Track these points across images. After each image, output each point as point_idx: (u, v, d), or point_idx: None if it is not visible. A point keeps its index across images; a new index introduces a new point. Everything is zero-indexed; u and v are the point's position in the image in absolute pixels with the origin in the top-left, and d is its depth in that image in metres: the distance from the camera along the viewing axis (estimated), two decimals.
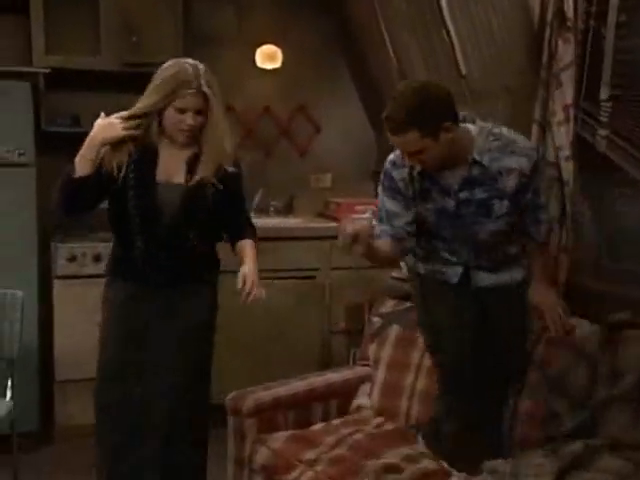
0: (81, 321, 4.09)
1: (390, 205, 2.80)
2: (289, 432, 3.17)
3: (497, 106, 3.75)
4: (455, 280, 2.87)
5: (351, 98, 5.18)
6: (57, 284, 4.24)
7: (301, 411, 3.33)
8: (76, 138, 4.35)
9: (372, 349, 3.54)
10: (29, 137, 4.17)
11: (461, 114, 2.66)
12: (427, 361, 3.22)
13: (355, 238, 2.50)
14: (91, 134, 2.74)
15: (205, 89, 2.69)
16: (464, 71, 3.86)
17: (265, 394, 3.27)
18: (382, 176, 2.83)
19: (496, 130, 2.70)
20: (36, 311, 4.18)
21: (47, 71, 4.31)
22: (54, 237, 4.36)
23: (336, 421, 3.31)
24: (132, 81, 4.66)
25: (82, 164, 2.71)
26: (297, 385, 3.38)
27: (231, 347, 4.14)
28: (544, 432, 2.91)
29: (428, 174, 2.71)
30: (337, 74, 5.10)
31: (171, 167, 2.79)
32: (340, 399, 3.46)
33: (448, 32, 3.83)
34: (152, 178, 2.77)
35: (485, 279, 2.87)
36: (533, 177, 2.72)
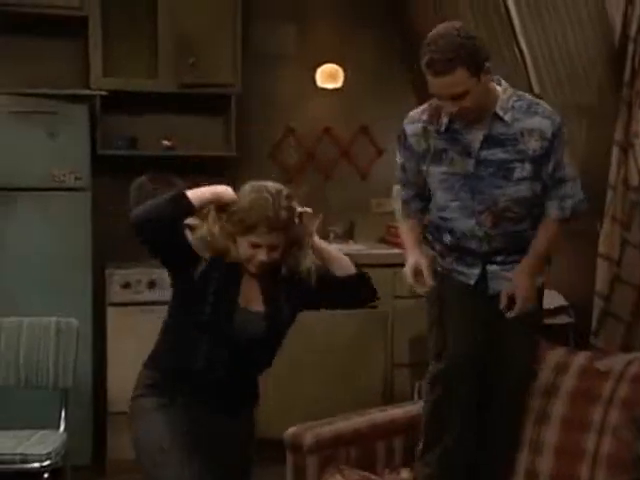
0: (135, 350, 3.99)
1: (404, 161, 2.82)
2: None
3: (572, 126, 3.59)
4: (472, 282, 2.81)
5: None
6: (111, 311, 4.20)
7: (364, 448, 3.18)
8: (132, 161, 4.28)
9: None
10: (85, 161, 4.18)
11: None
12: None
13: (416, 273, 2.54)
14: (224, 188, 2.52)
15: (282, 226, 2.47)
16: (536, 89, 3.74)
17: (326, 429, 3.14)
18: (398, 135, 2.83)
19: (520, 92, 2.70)
20: (90, 340, 4.14)
21: (104, 94, 4.32)
22: (108, 263, 4.32)
23: None
24: (189, 103, 4.71)
25: (196, 196, 2.47)
26: (359, 421, 3.25)
27: (290, 379, 4.05)
28: (629, 476, 2.75)
29: (449, 132, 2.67)
30: (400, 93, 4.97)
31: (251, 290, 2.59)
32: (404, 436, 3.29)
33: (519, 47, 3.70)
34: (234, 299, 2.55)
35: (500, 286, 2.75)
36: (554, 143, 2.64)
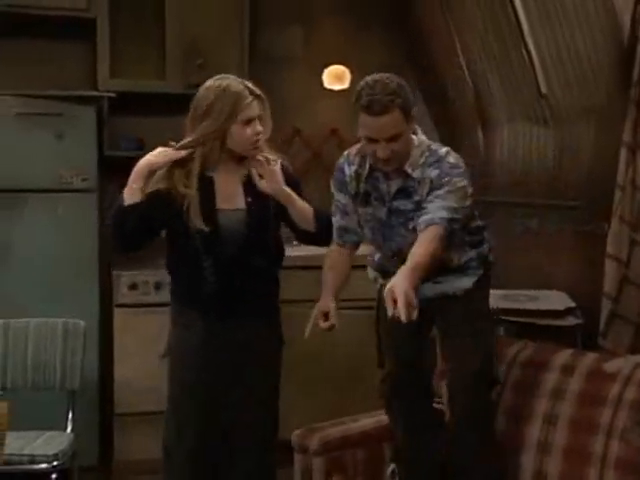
0: (142, 351, 4.03)
1: (340, 198, 2.85)
2: None
3: (580, 127, 3.58)
4: None
5: (423, 119, 5.03)
6: (118, 313, 4.19)
7: (371, 450, 3.17)
8: None
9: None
10: (92, 162, 4.18)
11: None
12: None
13: (323, 314, 2.70)
14: (140, 161, 2.75)
15: (258, 91, 2.69)
16: (544, 90, 3.73)
17: (333, 431, 3.14)
18: (335, 170, 2.87)
19: (434, 147, 2.75)
20: (97, 341, 4.14)
21: (112, 95, 4.32)
22: (115, 264, 4.32)
23: None
24: None
25: (130, 193, 2.70)
26: (366, 423, 3.24)
27: (297, 381, 4.02)
28: (638, 479, 2.70)
29: (371, 177, 2.75)
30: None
31: (229, 192, 2.74)
32: None
33: (527, 49, 3.69)
34: (213, 206, 2.72)
35: (429, 291, 2.79)
36: (439, 182, 2.66)
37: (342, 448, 3.09)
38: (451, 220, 2.61)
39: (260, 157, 2.71)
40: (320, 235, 2.88)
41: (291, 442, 3.11)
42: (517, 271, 3.93)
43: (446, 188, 2.64)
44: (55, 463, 3.38)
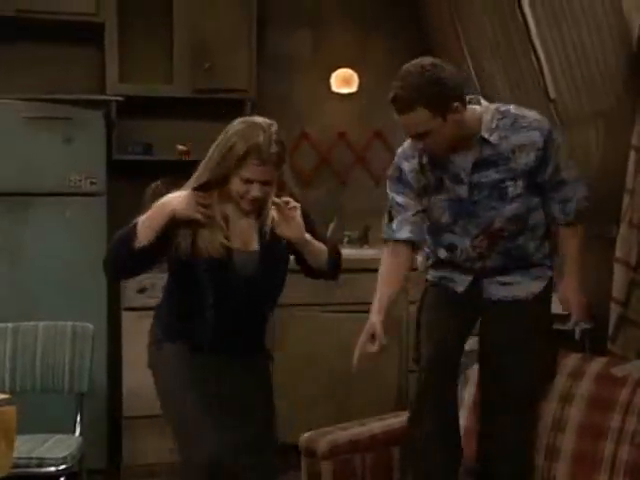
0: None
1: (400, 199, 2.76)
2: None
3: (589, 131, 3.56)
4: (461, 289, 2.79)
5: None
6: (126, 316, 4.19)
7: (379, 454, 3.15)
8: (148, 166, 4.29)
9: None
10: (101, 166, 4.19)
11: (467, 97, 2.61)
12: None
13: (372, 335, 2.64)
14: (164, 201, 2.50)
15: (275, 160, 2.46)
16: (553, 94, 3.71)
17: (341, 435, 3.12)
18: (391, 170, 2.78)
19: (503, 108, 2.65)
20: (105, 344, 4.15)
21: (120, 99, 4.33)
22: None
23: None
24: (204, 108, 4.71)
25: (146, 232, 2.47)
26: (374, 426, 3.22)
27: (305, 384, 3.99)
28: None
29: (439, 161, 2.65)
30: None
31: (243, 232, 2.60)
32: None
33: (536, 53, 3.67)
34: (227, 245, 2.55)
35: (497, 292, 2.75)
36: (548, 150, 2.62)
37: (351, 452, 3.08)
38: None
39: (279, 201, 2.52)
40: (330, 273, 2.76)
41: (299, 446, 3.11)
42: None
43: (556, 152, 2.60)
44: (63, 466, 3.38)
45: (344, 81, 4.92)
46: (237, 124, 2.52)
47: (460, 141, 2.59)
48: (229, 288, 2.56)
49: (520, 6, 3.67)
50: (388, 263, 2.80)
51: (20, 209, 4.06)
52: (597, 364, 2.93)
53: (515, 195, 2.65)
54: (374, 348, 2.63)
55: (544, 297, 2.82)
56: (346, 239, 4.89)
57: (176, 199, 2.49)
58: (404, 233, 2.77)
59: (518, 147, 2.61)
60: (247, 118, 2.57)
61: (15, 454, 2.71)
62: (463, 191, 2.66)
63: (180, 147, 4.60)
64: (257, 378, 2.72)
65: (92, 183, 4.12)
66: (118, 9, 4.38)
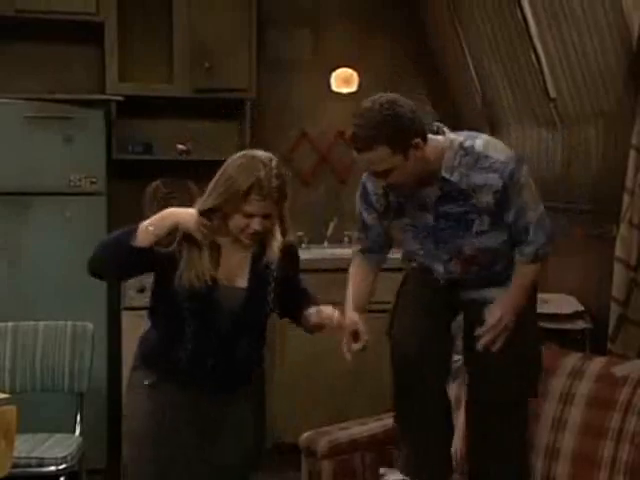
0: None
1: (365, 216, 2.76)
2: None
3: (589, 132, 3.57)
4: (443, 282, 2.75)
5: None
6: (126, 316, 4.19)
7: (379, 454, 3.17)
8: (148, 166, 4.28)
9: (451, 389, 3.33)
10: (101, 165, 4.19)
11: (433, 124, 2.59)
12: None
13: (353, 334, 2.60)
14: (171, 211, 2.47)
15: (275, 195, 2.41)
16: (553, 94, 3.70)
17: (341, 434, 3.14)
18: (360, 186, 2.77)
19: (468, 143, 2.55)
20: (105, 344, 4.15)
21: (120, 99, 4.34)
22: None
23: None
24: (204, 108, 4.72)
25: (145, 235, 2.43)
26: (374, 426, 3.24)
27: (306, 384, 4.00)
28: None
29: (399, 189, 2.62)
30: (415, 99, 4.95)
31: (233, 266, 2.54)
32: None
33: (536, 53, 3.67)
34: (213, 278, 2.50)
35: (478, 295, 2.74)
36: (508, 192, 2.54)
37: (350, 451, 3.10)
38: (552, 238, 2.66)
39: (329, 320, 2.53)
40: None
41: (299, 445, 3.12)
42: None
43: (519, 195, 2.53)
44: (63, 466, 3.39)
45: (344, 81, 4.92)
46: (237, 158, 2.48)
47: (424, 177, 2.54)
48: (210, 322, 2.50)
49: (520, 6, 3.68)
50: (357, 264, 2.84)
51: (20, 209, 4.07)
52: (597, 364, 2.94)
53: (480, 230, 2.59)
54: (358, 346, 2.62)
55: (533, 309, 2.81)
56: (346, 239, 4.87)
57: (183, 212, 2.47)
58: (372, 248, 2.81)
59: (478, 187, 2.53)
60: (247, 152, 2.52)
61: (15, 454, 2.71)
62: (429, 219, 2.62)
63: (180, 147, 4.60)
64: (238, 415, 2.61)
65: (92, 183, 4.13)
66: (118, 8, 4.38)
